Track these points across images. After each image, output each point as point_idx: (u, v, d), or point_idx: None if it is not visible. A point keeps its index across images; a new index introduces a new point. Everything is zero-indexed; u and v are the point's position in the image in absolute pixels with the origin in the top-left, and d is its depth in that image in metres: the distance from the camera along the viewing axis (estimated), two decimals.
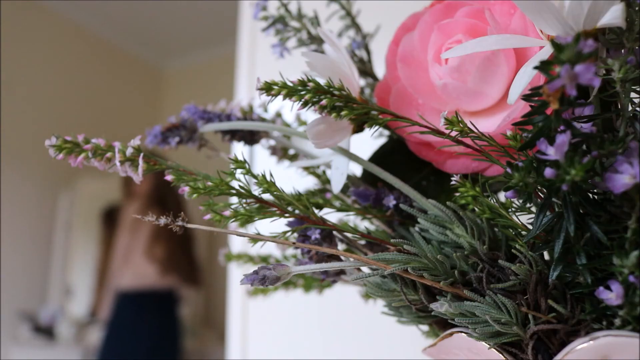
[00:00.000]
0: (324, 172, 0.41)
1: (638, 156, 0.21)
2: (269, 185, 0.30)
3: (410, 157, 0.36)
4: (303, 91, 0.27)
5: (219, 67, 3.04)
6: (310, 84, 0.27)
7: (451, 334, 0.28)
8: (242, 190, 0.29)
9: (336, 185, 0.33)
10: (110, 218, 2.60)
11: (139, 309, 1.95)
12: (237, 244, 0.88)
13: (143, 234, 1.97)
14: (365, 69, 0.43)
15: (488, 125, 0.31)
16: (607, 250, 0.23)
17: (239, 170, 0.30)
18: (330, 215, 0.34)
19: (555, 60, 0.19)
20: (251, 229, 0.37)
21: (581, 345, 0.23)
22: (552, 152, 0.21)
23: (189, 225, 0.26)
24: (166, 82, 3.44)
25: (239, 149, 0.66)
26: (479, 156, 0.29)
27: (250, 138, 0.38)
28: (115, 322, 1.95)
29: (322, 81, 0.28)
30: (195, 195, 0.28)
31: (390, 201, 0.34)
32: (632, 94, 0.25)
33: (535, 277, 0.26)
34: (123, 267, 1.99)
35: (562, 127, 0.22)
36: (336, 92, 0.28)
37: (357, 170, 0.40)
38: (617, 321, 0.23)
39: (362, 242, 0.34)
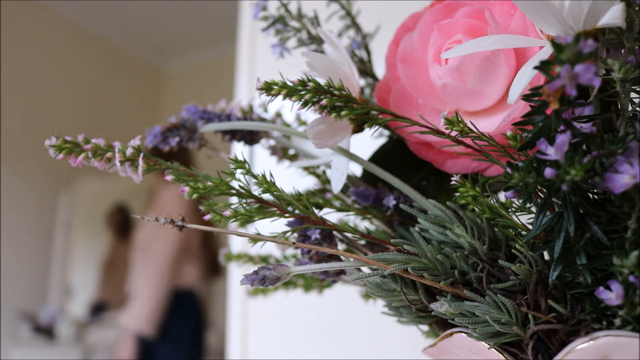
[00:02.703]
0: (324, 172, 0.41)
1: (638, 156, 0.21)
2: (269, 185, 0.30)
3: (410, 157, 0.36)
4: (303, 91, 0.27)
5: (219, 67, 3.04)
6: (310, 84, 0.27)
7: (451, 334, 0.28)
8: (242, 190, 0.29)
9: (336, 185, 0.33)
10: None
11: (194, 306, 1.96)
12: (237, 244, 0.88)
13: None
14: (365, 69, 0.43)
15: (488, 125, 0.31)
16: (607, 250, 0.23)
17: (239, 170, 0.30)
18: (330, 215, 0.34)
19: (555, 60, 0.19)
20: (251, 229, 0.37)
21: (581, 345, 0.23)
22: (552, 152, 0.21)
23: (189, 226, 0.26)
24: (166, 82, 3.44)
25: (239, 149, 0.66)
26: (479, 156, 0.29)
27: (250, 138, 0.38)
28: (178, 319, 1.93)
29: (322, 81, 0.28)
30: (195, 195, 0.29)
31: (390, 201, 0.34)
32: (632, 94, 0.25)
33: (535, 277, 0.26)
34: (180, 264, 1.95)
35: (562, 127, 0.22)
36: (336, 92, 0.28)
37: (357, 170, 0.40)
38: (617, 321, 0.23)
39: (362, 242, 0.34)
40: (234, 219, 0.29)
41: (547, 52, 0.26)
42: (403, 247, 0.28)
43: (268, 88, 0.28)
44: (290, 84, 0.28)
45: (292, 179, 0.43)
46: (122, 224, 2.73)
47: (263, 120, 0.40)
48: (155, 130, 0.36)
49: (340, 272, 0.33)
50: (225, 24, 2.48)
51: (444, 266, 0.28)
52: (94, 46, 3.03)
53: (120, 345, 1.81)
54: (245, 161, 0.30)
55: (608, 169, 0.22)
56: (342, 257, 0.31)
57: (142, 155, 0.30)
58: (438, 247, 0.30)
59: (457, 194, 0.28)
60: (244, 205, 0.30)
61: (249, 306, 0.86)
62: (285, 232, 0.31)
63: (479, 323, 0.26)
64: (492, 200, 0.28)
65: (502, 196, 0.32)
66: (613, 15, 0.23)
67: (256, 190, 0.30)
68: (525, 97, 0.23)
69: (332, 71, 0.31)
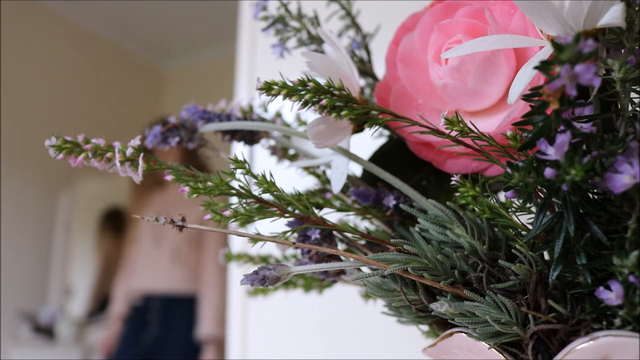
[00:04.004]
0: (324, 172, 0.41)
1: (638, 156, 0.21)
2: (269, 185, 0.30)
3: (410, 157, 0.36)
4: (303, 91, 0.27)
5: (219, 67, 3.04)
6: (310, 84, 0.27)
7: (451, 334, 0.28)
8: (242, 190, 0.29)
9: (336, 185, 0.33)
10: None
11: None
12: (237, 244, 0.88)
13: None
14: (365, 69, 0.43)
15: (488, 125, 0.31)
16: (607, 250, 0.23)
17: (239, 170, 0.30)
18: (330, 215, 0.34)
19: (555, 60, 0.19)
20: (251, 229, 0.37)
21: (581, 345, 0.23)
22: (552, 152, 0.21)
23: (189, 226, 0.26)
24: (166, 82, 3.44)
25: (239, 149, 0.66)
26: (479, 156, 0.29)
27: (250, 138, 0.38)
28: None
29: (322, 81, 0.28)
30: (195, 195, 0.29)
31: (390, 201, 0.34)
32: (632, 94, 0.25)
33: (535, 277, 0.26)
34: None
35: (562, 127, 0.22)
36: (336, 92, 0.28)
37: (357, 170, 0.40)
38: (617, 321, 0.23)
39: (362, 242, 0.34)
40: (234, 219, 0.29)
41: (547, 52, 0.26)
42: (403, 247, 0.28)
43: (268, 88, 0.28)
44: (290, 84, 0.28)
45: (292, 179, 0.43)
46: (118, 224, 2.73)
47: (263, 120, 0.40)
48: (155, 130, 0.36)
49: (340, 272, 0.33)
50: (225, 24, 2.48)
51: (444, 266, 0.28)
52: (94, 46, 3.03)
53: (206, 355, 1.75)
54: (245, 161, 0.30)
55: (608, 169, 0.22)
56: (342, 257, 0.31)
57: (142, 155, 0.30)
58: (438, 247, 0.30)
59: (457, 194, 0.28)
60: (244, 205, 0.30)
61: (249, 306, 0.86)
62: (285, 232, 0.31)
63: (479, 323, 0.26)
64: (492, 200, 0.28)
65: (502, 196, 0.32)
66: (613, 15, 0.23)
67: (256, 190, 0.30)
68: (525, 97, 0.23)
69: (332, 71, 0.31)
